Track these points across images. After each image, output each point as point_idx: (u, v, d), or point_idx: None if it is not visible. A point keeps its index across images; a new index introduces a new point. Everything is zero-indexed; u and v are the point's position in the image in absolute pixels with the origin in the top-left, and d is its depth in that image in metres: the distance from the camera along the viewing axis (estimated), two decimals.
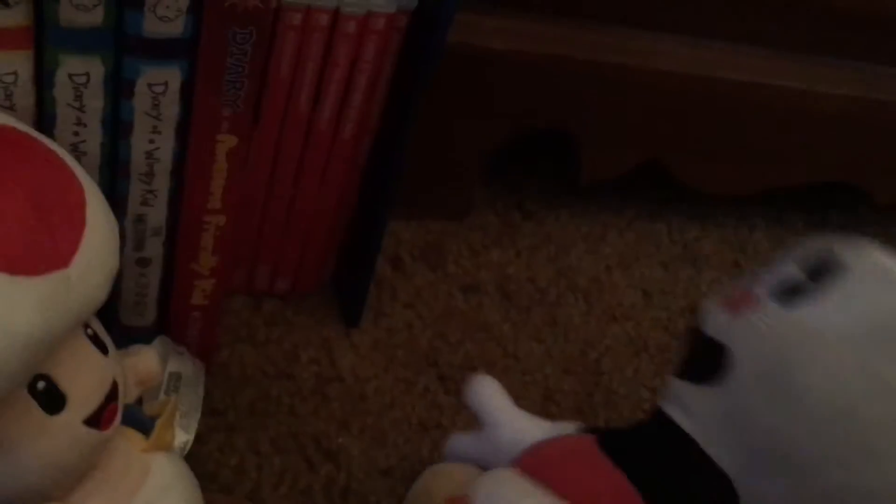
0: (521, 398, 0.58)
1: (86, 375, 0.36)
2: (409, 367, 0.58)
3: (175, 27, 0.37)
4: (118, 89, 0.39)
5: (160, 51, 0.38)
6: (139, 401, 0.44)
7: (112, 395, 0.37)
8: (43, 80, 0.37)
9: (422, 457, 0.54)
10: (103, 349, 0.37)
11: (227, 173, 0.43)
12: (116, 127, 0.40)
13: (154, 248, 0.45)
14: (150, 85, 0.39)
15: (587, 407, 0.60)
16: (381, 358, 0.58)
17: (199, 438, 0.50)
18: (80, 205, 0.34)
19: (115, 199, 0.42)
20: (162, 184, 0.43)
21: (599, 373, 0.62)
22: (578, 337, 0.64)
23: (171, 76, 0.39)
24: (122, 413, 0.39)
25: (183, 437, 0.46)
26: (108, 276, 0.36)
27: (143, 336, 0.48)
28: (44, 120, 0.39)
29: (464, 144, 0.65)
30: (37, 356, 0.32)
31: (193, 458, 0.49)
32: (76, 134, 0.39)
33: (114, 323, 0.48)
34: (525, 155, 0.73)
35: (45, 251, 0.32)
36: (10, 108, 0.37)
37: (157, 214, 0.44)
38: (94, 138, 0.40)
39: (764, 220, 0.78)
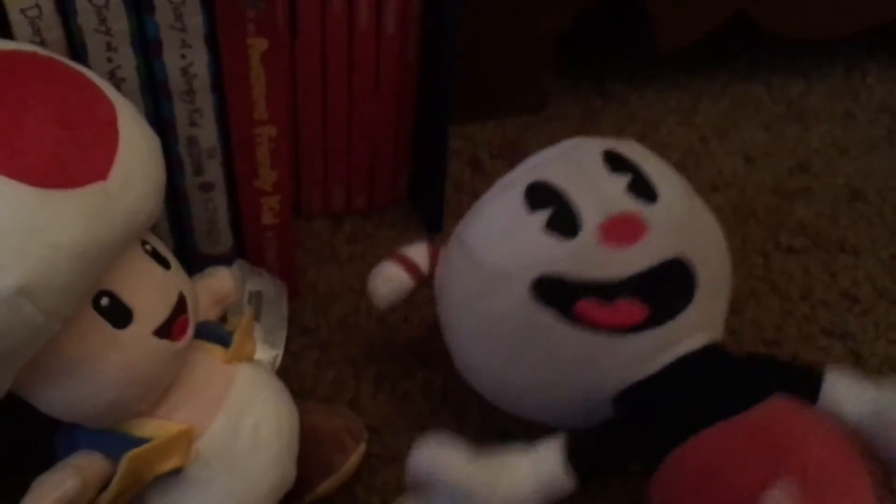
0: None
1: (149, 289, 0.36)
2: None
3: None
4: (139, 6, 0.38)
5: None
6: (223, 320, 0.44)
7: (180, 307, 0.37)
8: (65, 8, 0.38)
9: None
10: (165, 264, 0.37)
11: (266, 79, 0.42)
12: (146, 47, 0.40)
13: (213, 171, 0.45)
14: None
15: None
16: None
17: (294, 356, 0.51)
18: (111, 120, 0.34)
19: (163, 123, 0.42)
20: (204, 101, 0.42)
21: None
22: None
23: None
24: (200, 327, 0.39)
25: (271, 352, 0.46)
26: (154, 188, 0.36)
27: (222, 264, 0.48)
28: (76, 51, 0.39)
29: (529, 32, 0.62)
30: (89, 269, 0.32)
31: (291, 376, 0.49)
32: (110, 60, 0.40)
33: (193, 253, 0.48)
34: (598, 36, 0.69)
35: (77, 165, 0.32)
36: (42, 44, 0.38)
37: (208, 134, 0.44)
38: (127, 62, 0.40)
39: (877, 63, 0.71)
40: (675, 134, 0.65)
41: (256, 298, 0.47)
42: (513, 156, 0.63)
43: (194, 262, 0.48)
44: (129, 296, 0.35)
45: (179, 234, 0.47)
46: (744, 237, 0.59)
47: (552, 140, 0.65)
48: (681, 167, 0.62)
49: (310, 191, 0.57)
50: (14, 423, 0.38)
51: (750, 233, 0.59)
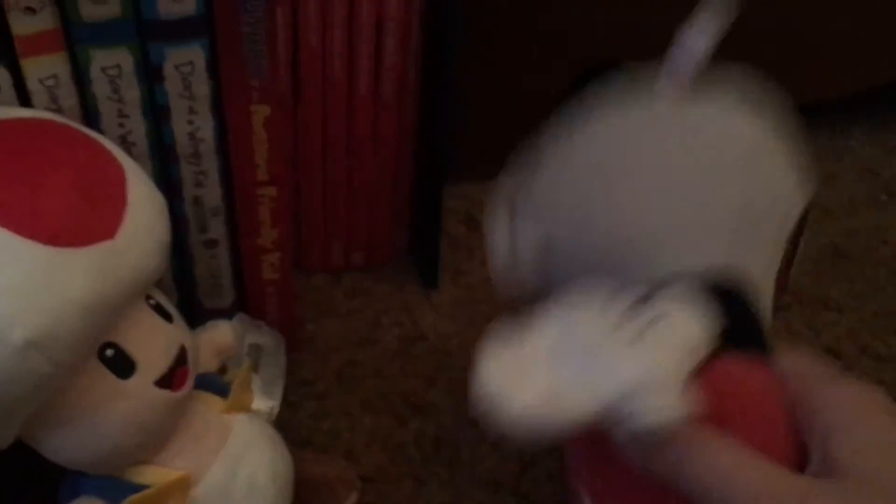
0: None
1: (152, 341, 0.38)
2: (492, 320, 0.58)
3: (188, 6, 0.39)
4: (149, 76, 0.41)
5: (179, 31, 0.40)
6: (223, 371, 0.46)
7: (181, 358, 0.39)
8: (81, 78, 0.40)
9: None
10: (168, 317, 0.39)
11: (268, 144, 0.45)
12: (156, 113, 0.42)
13: (217, 229, 0.48)
14: (177, 66, 0.41)
15: None
16: (463, 314, 0.58)
17: (291, 407, 0.52)
18: (121, 182, 0.37)
19: (170, 183, 0.45)
20: (210, 163, 0.45)
21: None
22: None
23: (195, 55, 0.41)
24: (200, 378, 0.41)
25: (268, 402, 0.48)
26: (159, 246, 0.38)
27: (224, 317, 0.50)
28: (90, 117, 0.41)
29: (524, 95, 0.65)
30: (96, 323, 0.34)
31: (287, 427, 0.51)
32: (121, 126, 0.42)
33: (196, 307, 0.50)
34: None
35: (88, 225, 0.35)
36: (58, 111, 0.40)
37: (212, 194, 0.46)
38: (138, 127, 0.43)
39: (861, 126, 0.73)
40: None
41: (255, 351, 0.49)
42: None
43: (197, 316, 0.50)
44: (132, 347, 0.37)
45: (184, 289, 0.50)
46: None
47: None
48: None
49: (310, 247, 0.59)
50: (20, 468, 0.40)
51: None
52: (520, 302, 0.39)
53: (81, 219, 0.34)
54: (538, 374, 0.31)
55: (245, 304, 0.52)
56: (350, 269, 0.60)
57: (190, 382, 0.39)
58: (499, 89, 0.64)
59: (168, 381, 0.38)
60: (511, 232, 0.40)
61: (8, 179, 0.34)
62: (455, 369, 0.55)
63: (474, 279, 0.60)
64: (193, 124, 0.43)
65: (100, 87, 0.41)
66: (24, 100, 0.40)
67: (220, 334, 0.45)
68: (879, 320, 0.59)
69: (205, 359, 0.44)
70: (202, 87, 0.42)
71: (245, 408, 0.43)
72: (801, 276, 0.62)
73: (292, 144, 0.53)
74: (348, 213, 0.58)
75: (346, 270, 0.60)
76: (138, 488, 0.38)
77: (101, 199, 0.36)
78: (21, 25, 0.38)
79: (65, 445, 0.37)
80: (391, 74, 0.52)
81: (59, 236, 0.33)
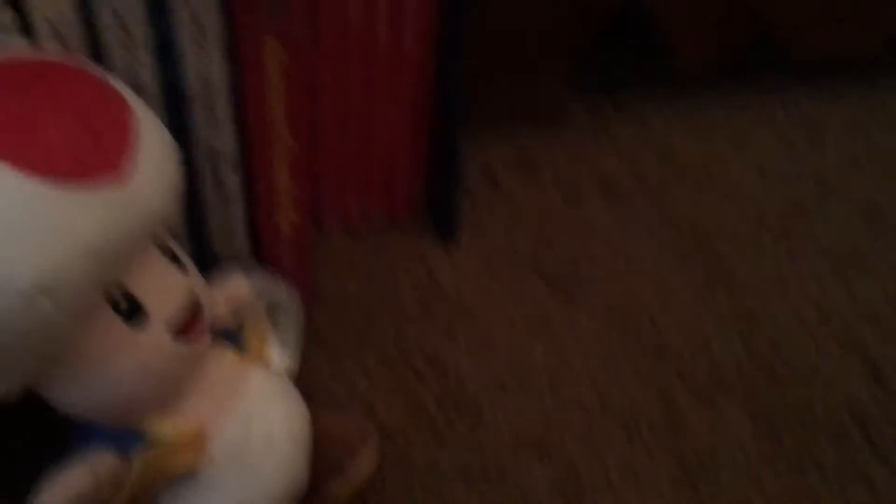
0: (632, 293, 0.56)
1: (165, 290, 0.36)
2: (512, 274, 0.56)
3: None
4: (160, 13, 0.39)
5: None
6: (240, 327, 0.45)
7: (195, 309, 0.37)
8: (87, 15, 0.38)
9: (533, 360, 0.52)
10: (181, 267, 0.38)
11: (283, 89, 0.43)
12: (166, 53, 0.40)
13: (231, 178, 0.46)
14: (186, 0, 0.39)
15: (707, 293, 0.56)
16: (483, 270, 0.57)
17: (311, 368, 0.51)
18: (130, 124, 0.35)
19: (182, 129, 0.43)
20: (223, 108, 0.43)
21: (719, 256, 0.58)
22: (688, 221, 0.60)
23: None
24: (215, 332, 0.40)
25: (286, 359, 0.46)
26: (169, 190, 0.36)
27: (240, 272, 0.49)
28: (97, 56, 0.40)
29: (547, 48, 0.63)
30: (104, 267, 0.33)
31: (306, 385, 0.49)
32: (130, 66, 0.40)
33: (211, 260, 0.49)
34: (614, 51, 0.70)
35: (96, 165, 0.33)
36: (64, 50, 0.39)
37: (226, 142, 0.44)
38: (147, 68, 0.41)
39: (893, 81, 0.71)
40: (689, 146, 0.65)
41: (273, 307, 0.47)
42: (527, 168, 0.64)
43: (212, 270, 0.48)
44: (145, 296, 0.36)
45: (198, 241, 0.48)
46: (757, 246, 0.59)
47: (565, 151, 0.66)
48: (694, 178, 0.63)
49: (328, 205, 0.57)
50: (30, 417, 0.38)
51: (763, 241, 0.59)
52: None
53: (90, 160, 0.33)
54: None
55: (261, 259, 0.50)
56: (368, 227, 0.59)
57: (205, 333, 0.38)
58: (521, 42, 0.61)
59: (182, 331, 0.37)
60: None
61: (13, 119, 0.32)
62: (476, 325, 0.53)
63: (495, 235, 0.59)
64: (205, 66, 0.41)
65: (106, 25, 0.39)
66: (30, 39, 0.38)
67: (237, 288, 0.44)
68: None
69: (221, 313, 0.42)
70: (214, 27, 0.40)
71: (262, 362, 0.41)
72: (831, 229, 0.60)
73: (310, 95, 0.51)
74: (366, 166, 0.56)
75: (364, 228, 0.59)
76: (151, 441, 0.37)
77: (110, 141, 0.34)
78: None
79: (76, 396, 0.35)
80: (410, 22, 0.50)
81: (67, 177, 0.32)
